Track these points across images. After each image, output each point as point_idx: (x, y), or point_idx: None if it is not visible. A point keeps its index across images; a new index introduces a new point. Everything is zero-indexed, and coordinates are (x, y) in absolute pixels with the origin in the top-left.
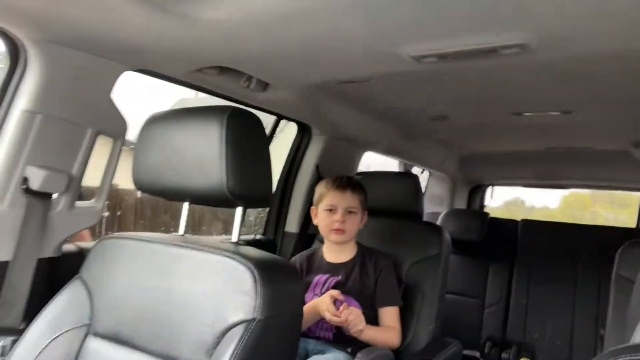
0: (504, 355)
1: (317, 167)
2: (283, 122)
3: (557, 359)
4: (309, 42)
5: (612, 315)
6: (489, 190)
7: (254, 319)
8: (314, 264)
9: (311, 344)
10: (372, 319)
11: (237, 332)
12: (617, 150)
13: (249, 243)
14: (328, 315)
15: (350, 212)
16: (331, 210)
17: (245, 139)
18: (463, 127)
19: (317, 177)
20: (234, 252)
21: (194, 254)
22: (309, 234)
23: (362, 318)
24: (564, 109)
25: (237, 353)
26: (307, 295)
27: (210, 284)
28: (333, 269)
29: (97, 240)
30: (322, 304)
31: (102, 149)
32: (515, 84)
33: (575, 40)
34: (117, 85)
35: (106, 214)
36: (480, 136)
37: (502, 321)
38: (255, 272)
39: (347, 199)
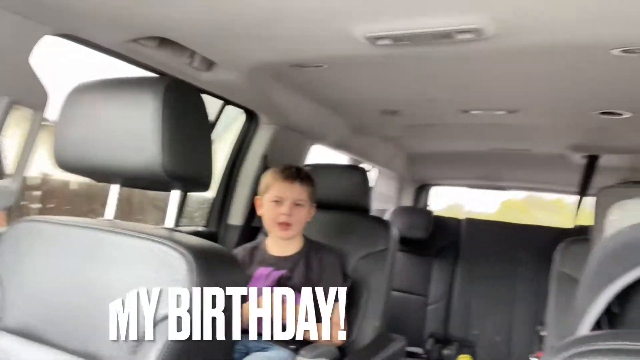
0: (445, 351)
1: (265, 157)
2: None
3: (497, 355)
4: (258, 15)
5: (553, 310)
6: (433, 191)
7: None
8: (257, 257)
9: (252, 341)
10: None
11: (167, 327)
12: (555, 154)
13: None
14: None
15: (297, 204)
16: (277, 201)
17: (184, 115)
18: (412, 123)
19: (264, 168)
20: (167, 237)
21: (120, 240)
22: (253, 227)
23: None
24: (510, 108)
25: (165, 350)
26: None
27: (137, 273)
28: (277, 262)
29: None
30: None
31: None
32: (466, 79)
33: (529, 29)
34: (36, 50)
35: (38, 205)
36: (428, 134)
37: (444, 318)
38: (191, 260)
39: (296, 191)
